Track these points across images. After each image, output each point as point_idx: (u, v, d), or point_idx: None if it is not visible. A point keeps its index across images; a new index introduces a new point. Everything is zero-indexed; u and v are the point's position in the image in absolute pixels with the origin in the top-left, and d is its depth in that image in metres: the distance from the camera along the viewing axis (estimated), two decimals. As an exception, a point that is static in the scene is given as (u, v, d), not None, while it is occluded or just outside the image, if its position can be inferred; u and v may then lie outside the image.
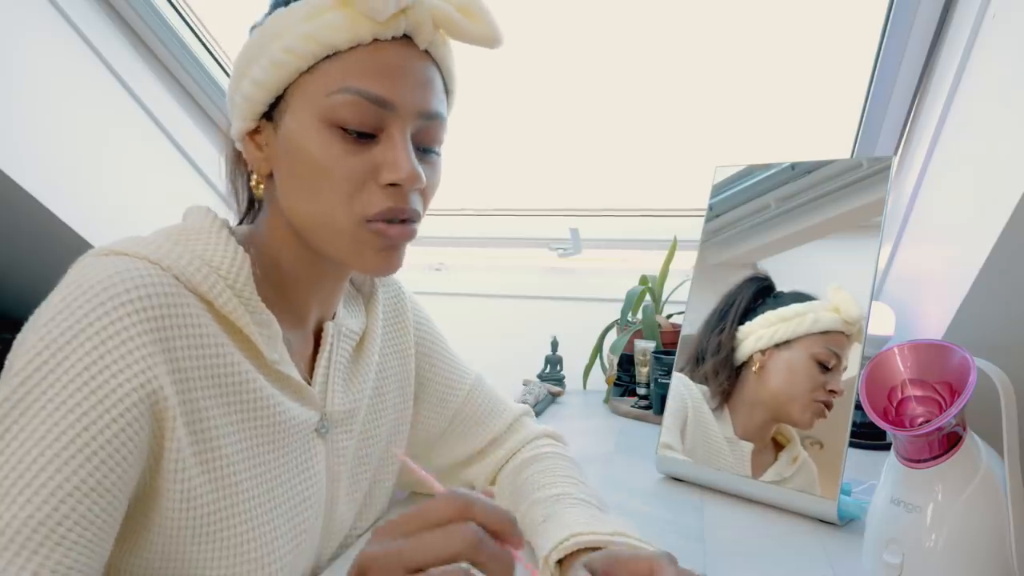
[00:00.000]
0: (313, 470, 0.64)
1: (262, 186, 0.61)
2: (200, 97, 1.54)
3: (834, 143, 1.39)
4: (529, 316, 1.60)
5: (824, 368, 0.82)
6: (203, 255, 0.55)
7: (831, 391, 0.80)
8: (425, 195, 0.61)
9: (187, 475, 0.52)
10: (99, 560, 0.47)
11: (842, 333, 0.82)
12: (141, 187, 1.44)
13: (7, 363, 0.51)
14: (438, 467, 0.82)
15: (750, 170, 0.98)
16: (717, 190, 1.01)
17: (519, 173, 1.75)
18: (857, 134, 1.32)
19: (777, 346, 0.86)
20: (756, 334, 0.88)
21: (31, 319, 0.52)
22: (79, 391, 0.46)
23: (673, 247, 1.37)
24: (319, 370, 0.66)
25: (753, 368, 0.88)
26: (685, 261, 1.32)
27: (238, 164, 0.65)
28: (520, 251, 1.74)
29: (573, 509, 0.65)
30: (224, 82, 1.53)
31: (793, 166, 0.93)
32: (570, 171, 1.71)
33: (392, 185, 0.56)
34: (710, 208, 1.01)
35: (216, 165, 1.57)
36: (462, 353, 0.84)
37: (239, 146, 0.61)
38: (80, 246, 1.31)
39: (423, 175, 0.56)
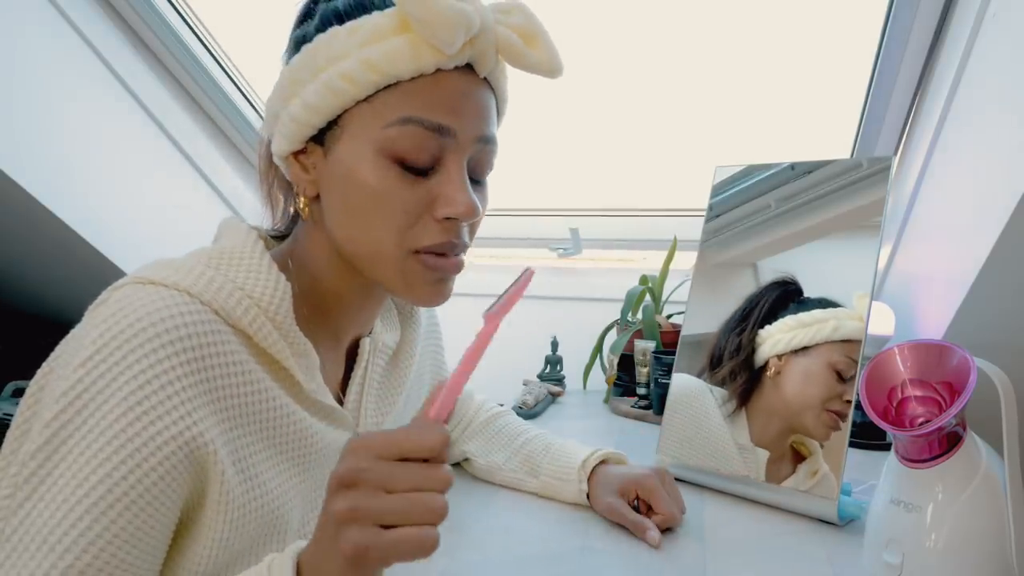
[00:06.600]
0: None
1: (307, 208, 0.59)
2: (200, 96, 1.54)
3: (834, 143, 1.39)
4: (529, 316, 1.60)
5: (841, 378, 0.78)
6: (244, 285, 0.54)
7: (847, 402, 0.77)
8: (474, 226, 0.59)
9: (234, 509, 0.51)
10: None
11: (862, 343, 0.79)
12: (141, 187, 1.44)
13: (37, 399, 0.50)
14: None
15: (750, 170, 0.98)
16: (717, 190, 1.01)
17: (519, 173, 1.75)
18: (857, 134, 1.31)
19: (795, 352, 0.83)
20: (774, 338, 0.86)
21: (63, 351, 0.51)
22: (116, 439, 0.45)
23: (673, 247, 1.37)
24: (352, 388, 0.65)
25: (769, 373, 0.85)
26: (685, 261, 1.32)
27: (271, 173, 0.62)
28: (520, 251, 1.73)
29: (565, 441, 0.83)
30: (224, 82, 1.53)
31: (793, 166, 0.93)
32: (570, 171, 1.71)
33: (447, 219, 0.55)
34: (710, 208, 1.00)
35: (215, 164, 1.58)
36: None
37: (280, 163, 0.59)
38: (79, 245, 1.32)
39: (480, 208, 0.55)
